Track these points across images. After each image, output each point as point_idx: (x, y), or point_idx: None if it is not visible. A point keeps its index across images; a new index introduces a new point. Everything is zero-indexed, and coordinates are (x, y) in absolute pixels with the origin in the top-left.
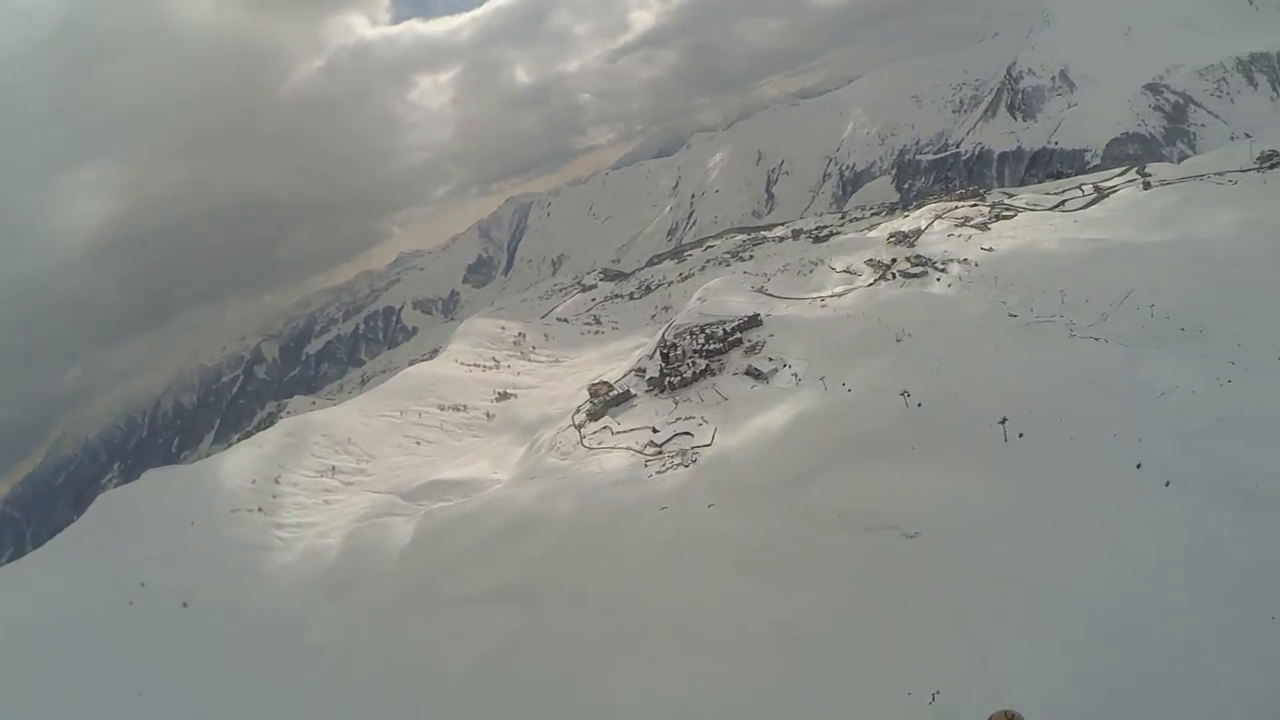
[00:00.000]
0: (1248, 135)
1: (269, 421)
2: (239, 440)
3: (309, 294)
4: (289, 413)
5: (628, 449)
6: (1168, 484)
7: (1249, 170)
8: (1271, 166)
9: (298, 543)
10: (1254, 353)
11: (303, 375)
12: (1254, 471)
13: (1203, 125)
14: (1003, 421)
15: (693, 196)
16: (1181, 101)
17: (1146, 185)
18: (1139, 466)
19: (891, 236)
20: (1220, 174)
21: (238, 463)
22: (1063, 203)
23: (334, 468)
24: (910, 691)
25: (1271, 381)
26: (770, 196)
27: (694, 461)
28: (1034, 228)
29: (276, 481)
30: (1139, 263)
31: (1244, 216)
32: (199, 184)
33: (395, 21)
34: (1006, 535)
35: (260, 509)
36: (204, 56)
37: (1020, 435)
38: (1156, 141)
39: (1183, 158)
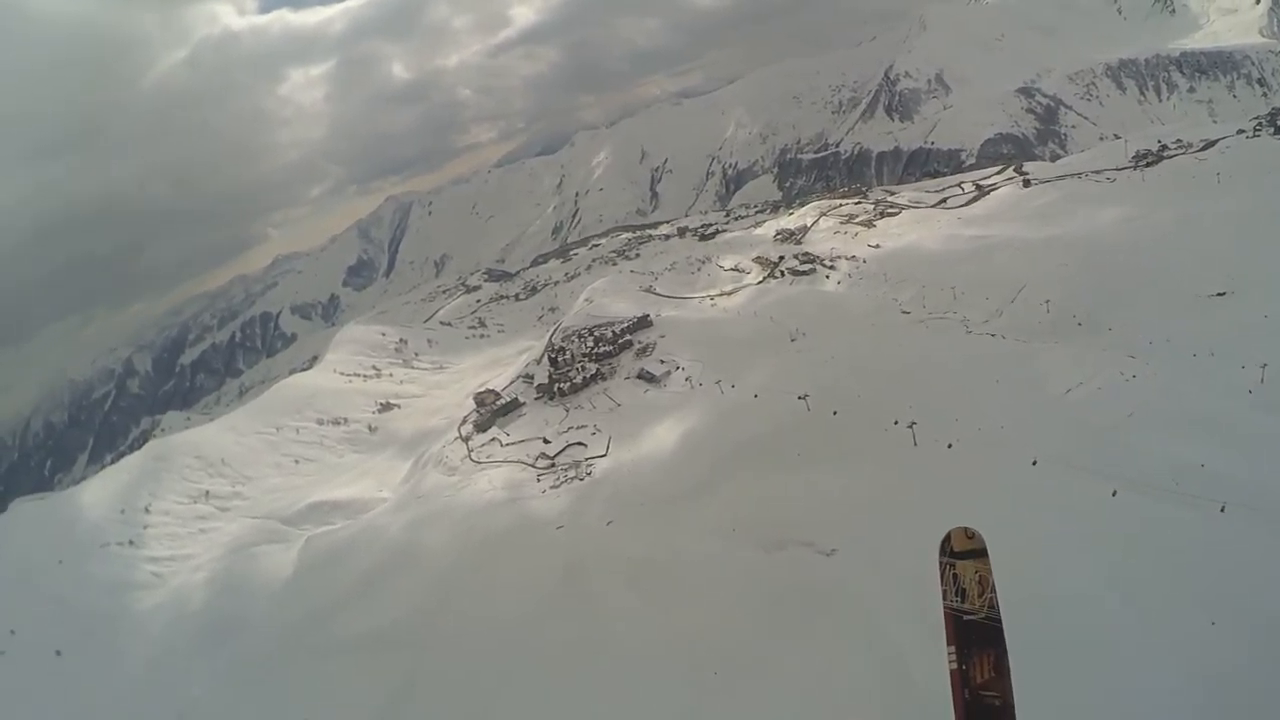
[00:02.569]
0: (1117, 136)
1: (143, 439)
2: (112, 461)
3: (181, 300)
4: (163, 430)
5: (518, 462)
6: (1114, 494)
7: (1125, 169)
8: (1148, 165)
9: (172, 578)
10: (1152, 346)
11: (178, 388)
12: (1176, 464)
13: (1073, 126)
14: (911, 425)
15: (577, 195)
16: (1053, 104)
17: (1026, 183)
18: (1034, 463)
19: (778, 234)
20: (1098, 172)
21: (105, 491)
22: (944, 200)
23: (208, 492)
24: None
25: (1175, 374)
26: (654, 195)
27: (589, 474)
28: (919, 225)
29: (147, 510)
30: (1028, 259)
31: (1126, 213)
32: (51, 188)
33: (263, 11)
34: (929, 552)
35: (131, 542)
36: (54, 47)
37: (951, 446)
38: (1029, 142)
39: (1055, 157)
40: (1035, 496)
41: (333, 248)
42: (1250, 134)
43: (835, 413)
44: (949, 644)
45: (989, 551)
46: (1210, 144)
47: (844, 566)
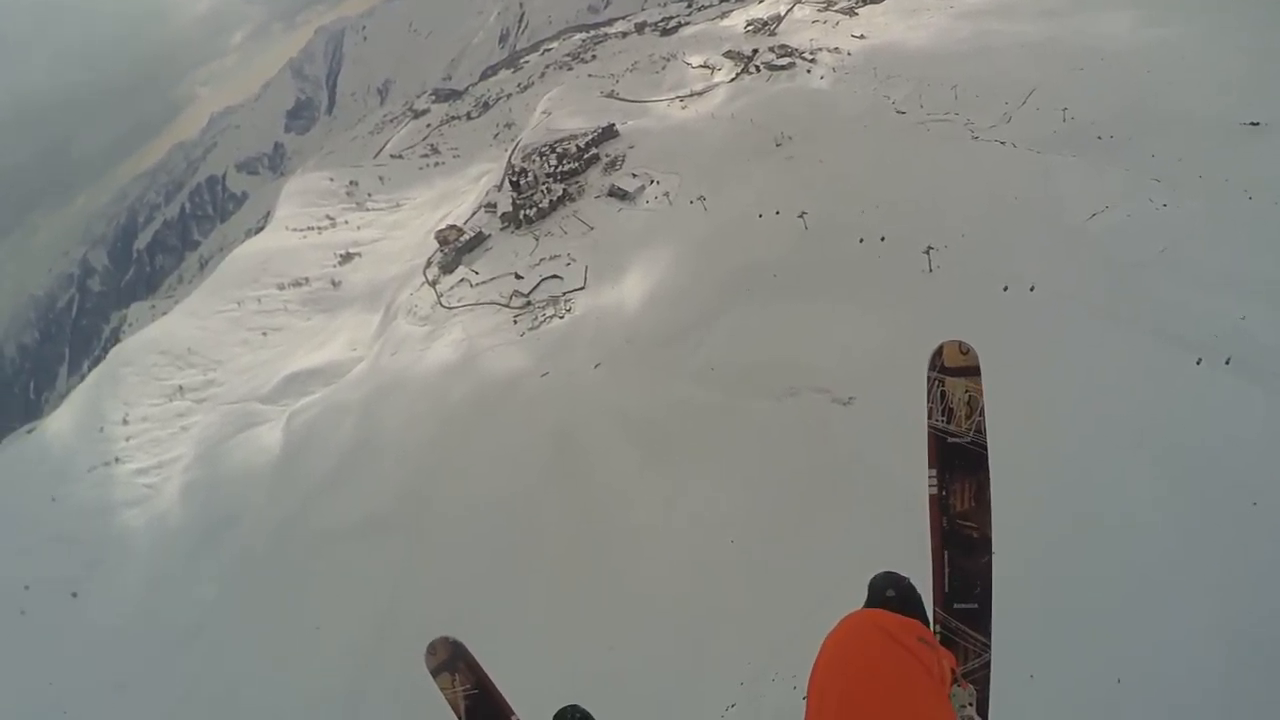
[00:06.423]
0: None
1: (115, 337)
2: (90, 367)
3: (124, 183)
4: (130, 325)
5: (492, 303)
6: (1198, 361)
7: None
8: None
9: (165, 485)
10: (1178, 172)
11: (139, 275)
12: (1212, 314)
13: None
14: (927, 251)
15: None
16: None
17: None
18: (1032, 289)
19: (749, 25)
20: None
21: (78, 412)
22: None
23: (180, 387)
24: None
25: (1208, 208)
26: None
27: (568, 311)
28: (908, 15)
29: (124, 421)
30: (1035, 60)
31: (1142, 17)
32: None
33: None
34: None
35: (116, 459)
36: None
37: (1006, 289)
38: None
39: None
40: (1069, 345)
41: (267, 94)
42: None
43: (861, 240)
44: (930, 466)
45: (982, 371)
46: None
47: (864, 417)
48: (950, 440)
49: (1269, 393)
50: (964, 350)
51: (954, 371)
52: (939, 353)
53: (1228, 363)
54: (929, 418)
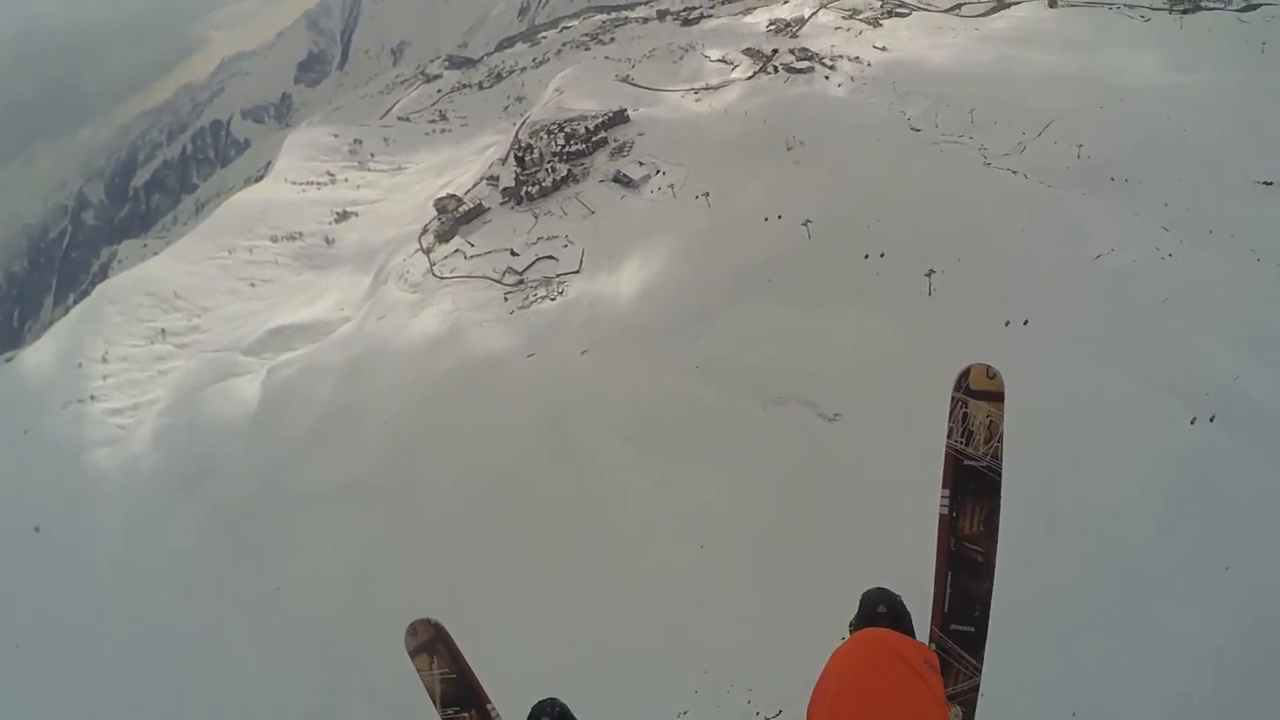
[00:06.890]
0: None
1: (104, 273)
2: (76, 300)
3: (128, 119)
4: (120, 261)
5: (484, 278)
6: (1194, 420)
7: (1159, 10)
8: (1185, 11)
9: (138, 428)
10: (1187, 222)
11: (134, 212)
12: (1208, 370)
13: None
14: (929, 274)
15: None
16: None
17: (1052, 3)
18: (1026, 323)
19: (771, 24)
20: (1131, 6)
21: (58, 347)
22: (959, 6)
23: (163, 330)
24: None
25: (1214, 264)
26: None
27: (561, 294)
28: (931, 31)
29: (104, 360)
30: (1055, 92)
31: (1167, 60)
32: None
33: None
34: (937, 423)
35: (92, 396)
36: None
37: (1008, 324)
38: None
39: None
40: (1061, 379)
41: (280, 44)
42: None
43: (867, 256)
44: (944, 486)
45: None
46: (1253, 7)
47: (847, 435)
48: (966, 463)
49: (1254, 447)
50: (991, 375)
51: (979, 395)
52: (966, 374)
53: (1212, 420)
54: (949, 438)
